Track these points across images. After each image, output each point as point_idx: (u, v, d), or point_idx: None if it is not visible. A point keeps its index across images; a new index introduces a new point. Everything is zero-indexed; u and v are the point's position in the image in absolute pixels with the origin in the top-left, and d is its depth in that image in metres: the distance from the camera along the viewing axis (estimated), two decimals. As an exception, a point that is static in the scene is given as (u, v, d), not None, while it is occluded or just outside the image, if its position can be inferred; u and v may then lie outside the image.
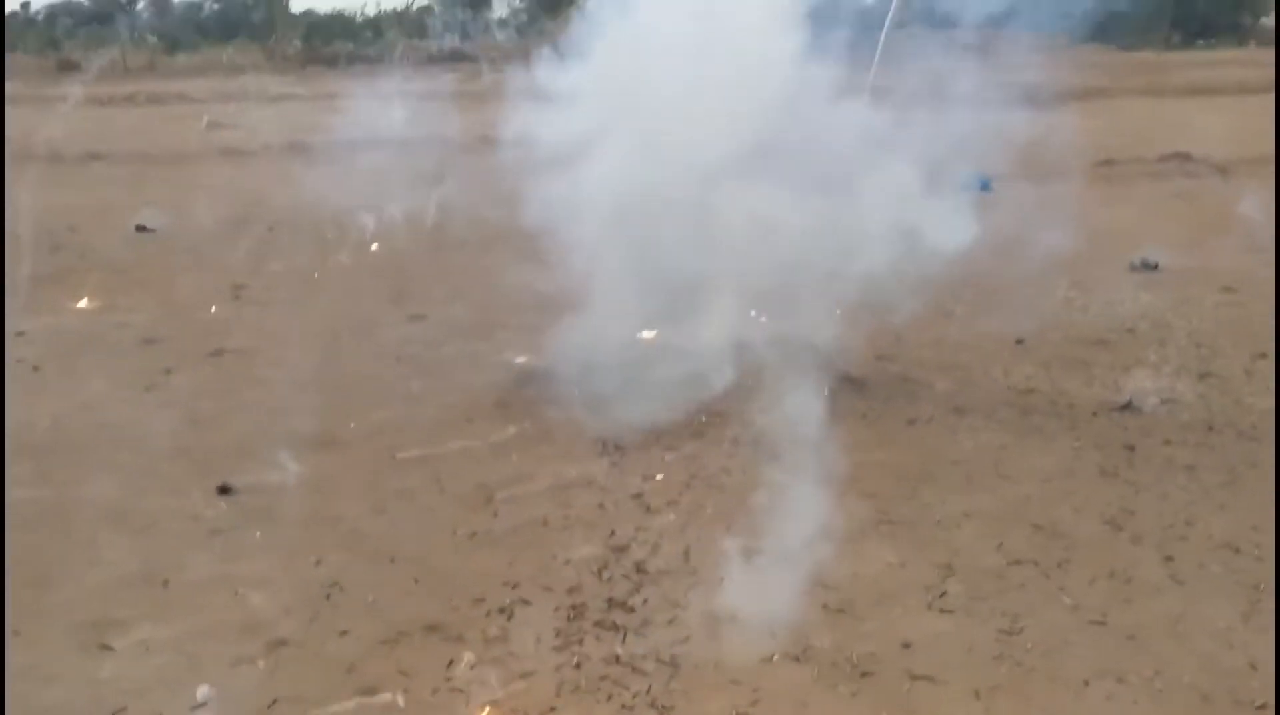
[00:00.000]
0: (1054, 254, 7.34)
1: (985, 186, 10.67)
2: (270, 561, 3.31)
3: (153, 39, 46.24)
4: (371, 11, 55.59)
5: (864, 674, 2.69)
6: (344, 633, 2.91)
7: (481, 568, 3.26)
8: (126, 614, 3.01)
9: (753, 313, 5.88)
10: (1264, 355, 5.23)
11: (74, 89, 25.57)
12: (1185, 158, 12.59)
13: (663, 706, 2.57)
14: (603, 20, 5.51)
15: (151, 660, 2.79)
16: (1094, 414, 4.50)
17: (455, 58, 42.56)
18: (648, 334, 5.64)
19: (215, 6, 63.25)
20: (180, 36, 49.37)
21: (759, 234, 8.03)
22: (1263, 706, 2.53)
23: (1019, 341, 5.50)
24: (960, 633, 2.86)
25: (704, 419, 4.46)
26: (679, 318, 5.95)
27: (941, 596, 3.05)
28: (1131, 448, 4.13)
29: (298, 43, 41.69)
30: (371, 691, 2.65)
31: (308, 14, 52.80)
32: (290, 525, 3.55)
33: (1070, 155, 12.80)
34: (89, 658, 2.81)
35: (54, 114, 20.08)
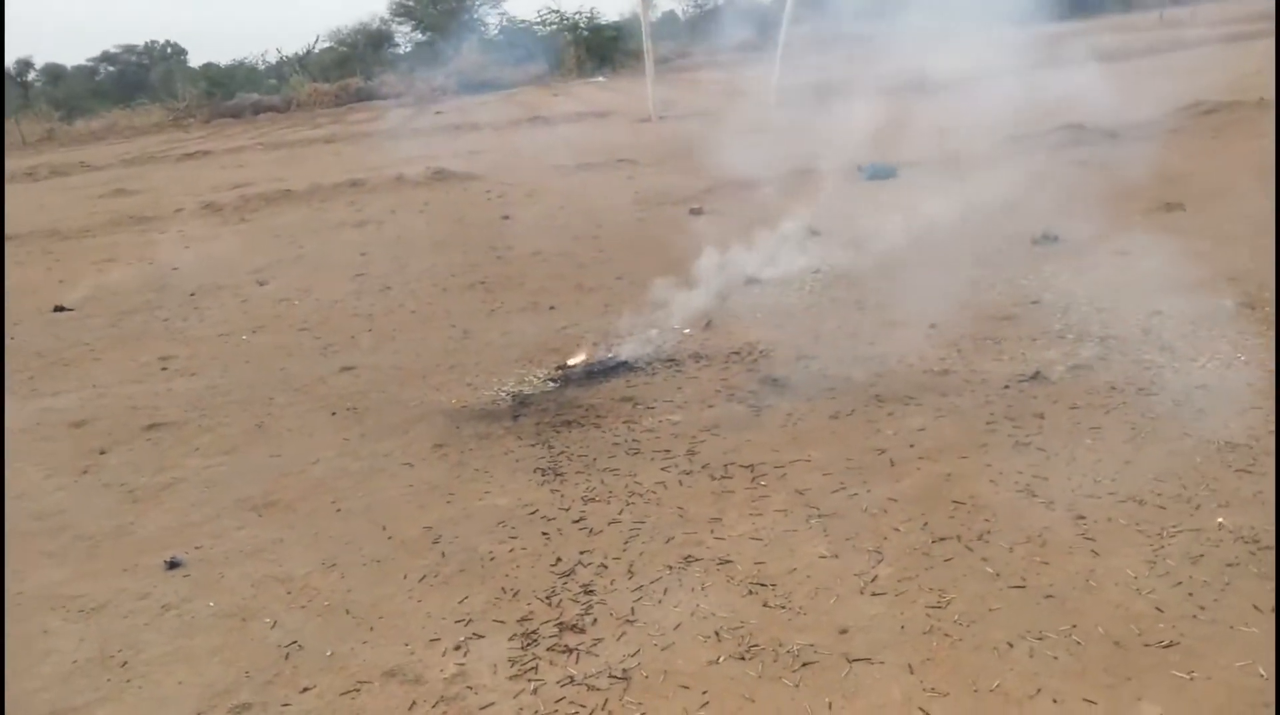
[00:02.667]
0: (960, 235, 7.67)
1: (891, 173, 11.05)
2: (225, 629, 3.36)
3: (49, 109, 45.27)
4: (273, 58, 55.12)
5: (805, 664, 2.83)
6: (305, 689, 2.98)
7: (434, 609, 3.34)
8: (87, 699, 3.05)
9: (675, 329, 6.05)
10: (1159, 312, 5.53)
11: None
12: (1079, 127, 13.11)
13: (619, 720, 2.70)
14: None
15: (116, 742, 2.84)
16: (1005, 387, 4.73)
17: (360, 97, 42.39)
18: (573, 360, 5.78)
19: (111, 69, 62.14)
20: (78, 103, 48.39)
21: (671, 247, 8.24)
22: (1169, 645, 2.74)
23: (931, 326, 5.73)
24: (892, 613, 3.03)
25: (637, 437, 4.59)
26: (606, 339, 6.11)
27: (873, 581, 3.22)
28: (1041, 416, 4.36)
29: (197, 97, 41.21)
30: (337, 743, 2.73)
31: (208, 67, 52.21)
32: (241, 591, 3.60)
33: (970, 135, 13.28)
34: (53, 748, 2.85)
35: (-46, 198, 19.63)
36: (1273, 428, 3.94)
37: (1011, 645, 2.82)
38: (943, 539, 3.42)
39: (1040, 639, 2.83)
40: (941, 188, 9.75)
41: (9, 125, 38.73)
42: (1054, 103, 14.01)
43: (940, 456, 4.06)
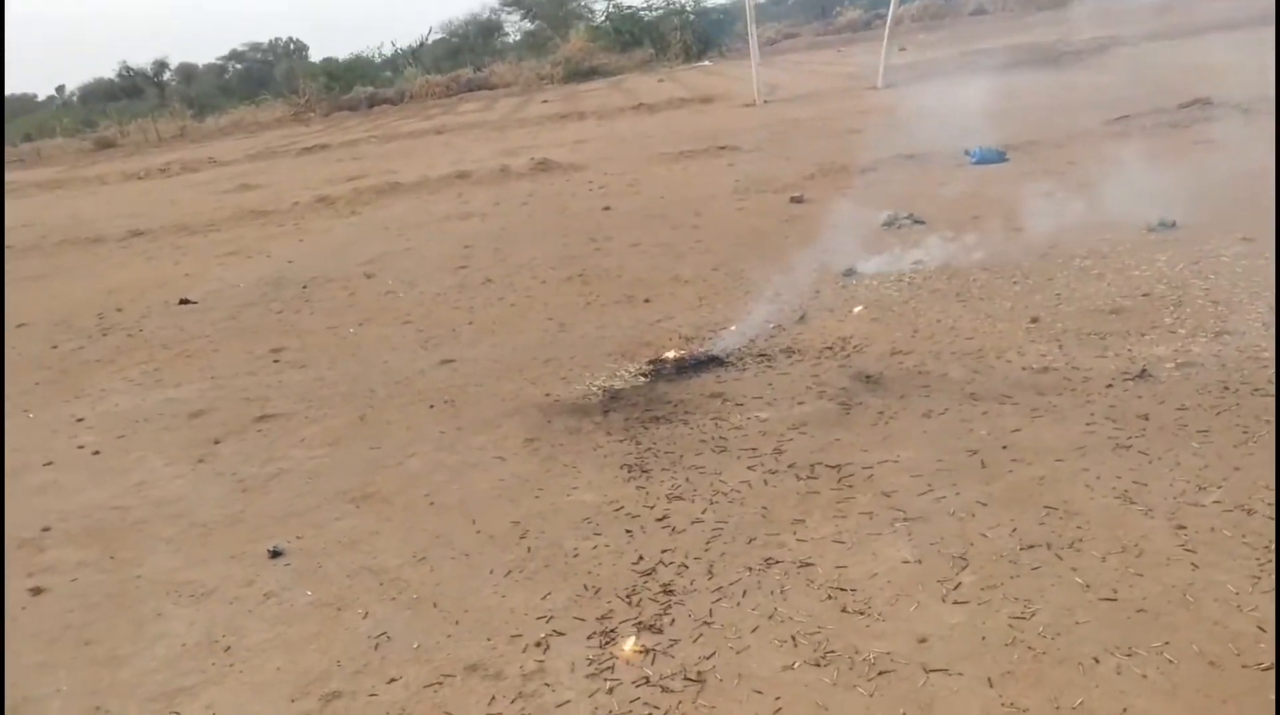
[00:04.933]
0: (1071, 222, 7.38)
1: (1000, 158, 10.69)
2: (321, 618, 3.52)
3: (181, 107, 47.67)
4: (388, 51, 56.72)
5: (881, 672, 2.80)
6: (392, 680, 3.10)
7: (518, 604, 3.42)
8: (193, 681, 3.24)
9: (769, 323, 6.01)
10: (1283, 305, 5.23)
11: (112, 167, 26.48)
12: (1206, 102, 12.40)
13: (691, 723, 2.72)
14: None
15: (218, 724, 3.01)
16: (1109, 386, 4.55)
17: (470, 87, 43.23)
18: (670, 354, 5.80)
19: (238, 67, 65.04)
20: (207, 100, 50.84)
21: (770, 237, 8.19)
22: (1269, 667, 2.60)
23: (1034, 319, 5.55)
24: (973, 623, 2.96)
25: (725, 434, 4.59)
26: (700, 333, 6.11)
27: (956, 589, 3.15)
28: (1146, 417, 4.17)
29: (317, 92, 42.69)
30: (420, 734, 2.83)
31: (328, 62, 54.08)
32: (338, 581, 3.75)
33: (1088, 113, 12.75)
34: (162, 727, 3.04)
35: (94, 195, 20.86)
36: (1402, 433, 3.69)
37: (1098, 661, 2.72)
38: (1031, 546, 3.32)
39: (1129, 655, 2.72)
40: (1053, 172, 9.41)
41: (146, 124, 40.94)
42: (1181, 76, 13.32)
43: (1034, 459, 3.94)
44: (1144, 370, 4.63)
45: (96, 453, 5.54)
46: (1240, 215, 7.03)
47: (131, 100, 54.84)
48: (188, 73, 63.94)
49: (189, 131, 40.62)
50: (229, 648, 3.40)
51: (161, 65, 62.84)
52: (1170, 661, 2.68)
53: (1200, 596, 2.94)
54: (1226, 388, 4.35)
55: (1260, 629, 2.76)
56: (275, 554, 4.01)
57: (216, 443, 5.45)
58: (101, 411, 6.27)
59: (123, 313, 9.11)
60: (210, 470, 5.07)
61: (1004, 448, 4.07)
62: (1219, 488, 3.53)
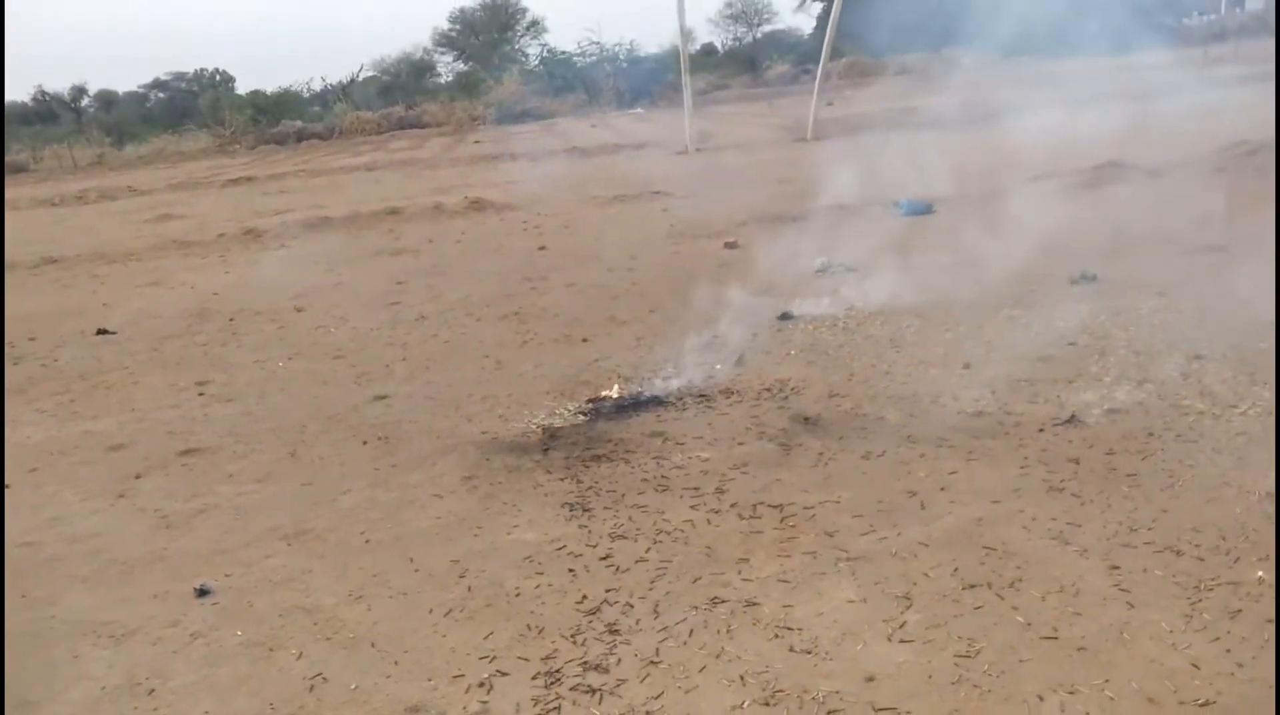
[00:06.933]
0: (996, 274, 7.61)
1: (928, 209, 11.01)
2: (252, 659, 3.38)
3: (100, 134, 46.47)
4: (317, 86, 56.29)
5: (830, 711, 2.79)
6: (328, 723, 2.98)
7: (459, 644, 3.34)
8: (113, 727, 3.07)
9: (707, 365, 6.04)
10: (1199, 356, 5.45)
11: (23, 192, 25.59)
12: (1117, 165, 12.96)
13: (640, 764, 2.67)
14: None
15: (141, 771, 2.85)
16: (1040, 431, 4.67)
17: (402, 125, 43.07)
18: (609, 393, 5.78)
19: (161, 96, 63.74)
20: (128, 128, 49.64)
21: (705, 281, 8.26)
22: (1205, 703, 2.67)
23: (966, 365, 5.69)
24: (920, 661, 2.98)
25: (666, 473, 4.58)
26: (638, 373, 6.12)
27: (901, 627, 3.17)
28: (1076, 461, 4.29)
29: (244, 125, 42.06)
30: (358, 779, 2.72)
31: (255, 94, 53.33)
32: (269, 621, 3.62)
33: (1008, 171, 13.22)
34: (79, 775, 2.87)
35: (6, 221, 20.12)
36: (1316, 478, 3.85)
37: (1042, 699, 2.76)
38: (973, 586, 3.37)
39: (1072, 693, 2.77)
40: (977, 225, 9.70)
41: (61, 151, 39.79)
42: (1092, 139, 13.91)
43: (972, 500, 4.01)
44: (1073, 416, 4.77)
45: (5, 486, 5.28)
46: (1153, 271, 7.34)
47: (46, 125, 53.28)
48: (107, 99, 62.42)
49: (107, 159, 39.61)
50: (153, 690, 3.24)
51: (80, 91, 61.30)
52: (1111, 699, 2.73)
53: (1136, 635, 3.01)
54: (1151, 434, 4.51)
55: (1194, 666, 2.83)
56: (202, 592, 3.85)
57: (137, 477, 5.24)
58: (12, 443, 5.99)
59: (35, 342, 8.76)
60: (131, 506, 4.87)
61: (942, 489, 4.14)
62: (1149, 529, 3.64)
